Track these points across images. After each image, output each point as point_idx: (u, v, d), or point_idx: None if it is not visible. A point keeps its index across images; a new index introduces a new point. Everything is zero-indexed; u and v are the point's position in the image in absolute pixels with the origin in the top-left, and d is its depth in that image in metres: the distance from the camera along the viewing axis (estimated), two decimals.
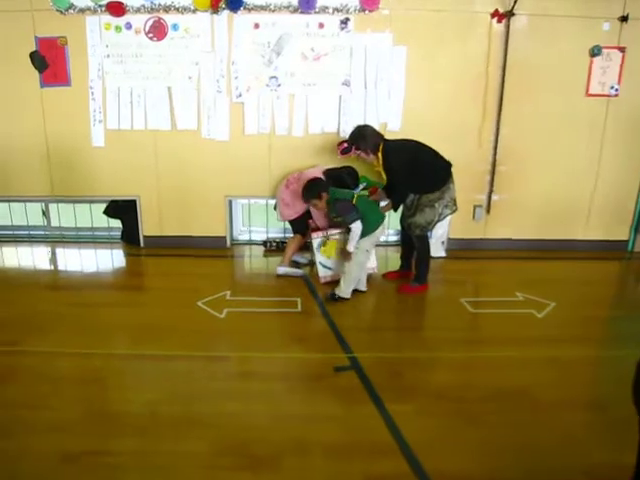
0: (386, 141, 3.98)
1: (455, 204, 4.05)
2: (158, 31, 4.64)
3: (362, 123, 4.38)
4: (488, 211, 4.96)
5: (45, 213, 5.51)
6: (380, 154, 3.94)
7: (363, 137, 3.99)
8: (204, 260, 4.69)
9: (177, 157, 4.85)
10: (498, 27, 4.58)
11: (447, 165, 3.98)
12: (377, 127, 4.40)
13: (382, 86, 4.66)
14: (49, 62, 4.75)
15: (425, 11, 4.51)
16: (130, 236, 5.19)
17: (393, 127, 4.71)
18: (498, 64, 4.64)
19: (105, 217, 5.30)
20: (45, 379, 2.93)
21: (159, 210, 5.00)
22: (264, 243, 5.15)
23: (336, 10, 4.50)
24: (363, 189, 4.42)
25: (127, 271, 4.88)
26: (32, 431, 2.45)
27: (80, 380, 2.95)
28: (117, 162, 4.91)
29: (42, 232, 5.56)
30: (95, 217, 5.46)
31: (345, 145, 4.29)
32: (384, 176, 4.01)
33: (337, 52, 4.61)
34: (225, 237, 5.06)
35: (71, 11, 4.61)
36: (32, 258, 5.18)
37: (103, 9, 4.58)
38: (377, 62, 4.61)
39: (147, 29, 4.64)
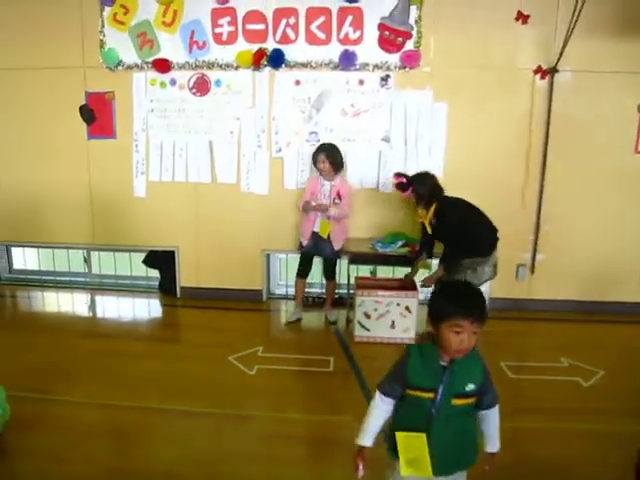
0: (444, 197, 4.02)
1: (496, 270, 4.05)
2: (201, 87, 4.90)
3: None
4: (532, 271, 4.94)
5: (86, 260, 5.76)
6: (433, 208, 3.98)
7: (423, 182, 4.03)
8: (239, 313, 4.80)
9: (216, 210, 5.04)
10: (541, 84, 4.65)
11: (495, 230, 3.99)
12: None
13: (422, 142, 4.76)
14: (97, 115, 5.06)
15: (467, 68, 4.63)
16: (167, 286, 5.37)
17: None
18: (542, 121, 4.68)
19: (144, 266, 5.49)
20: (70, 430, 3.05)
21: (196, 261, 5.17)
22: None
23: (376, 67, 4.67)
24: (402, 246, 4.49)
25: (162, 322, 5.05)
26: None
27: (105, 433, 3.07)
28: (157, 213, 5.13)
29: (83, 279, 5.81)
30: (134, 266, 5.67)
31: (403, 181, 4.12)
32: (428, 229, 4.06)
33: (377, 108, 4.75)
34: (261, 291, 5.19)
35: (119, 67, 4.93)
36: (71, 304, 5.42)
37: (150, 66, 4.88)
38: (417, 118, 4.73)
39: (191, 85, 4.91)
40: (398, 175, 4.15)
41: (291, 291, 5.36)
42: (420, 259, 4.31)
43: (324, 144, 4.52)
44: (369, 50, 4.66)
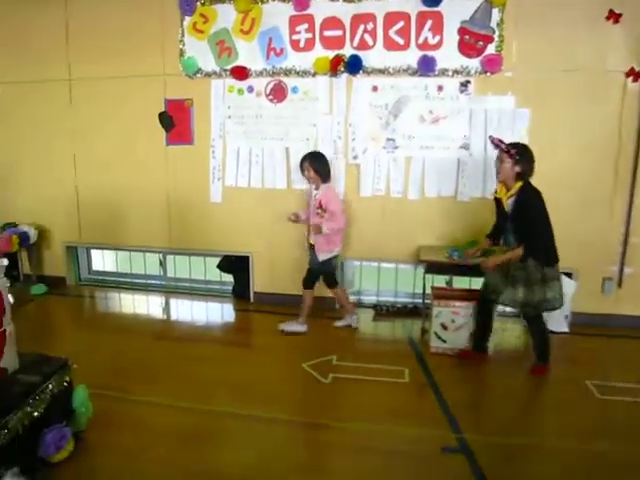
0: (530, 183, 3.71)
1: (562, 299, 3.84)
2: (278, 94, 4.98)
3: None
4: (619, 285, 4.74)
5: (162, 263, 5.95)
6: (517, 186, 3.68)
7: (525, 153, 3.66)
8: (313, 321, 4.82)
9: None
10: (633, 87, 4.46)
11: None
12: None
13: None
14: (175, 122, 5.22)
15: (552, 72, 4.50)
16: (241, 291, 5.48)
17: None
18: (633, 127, 4.50)
19: (218, 271, 5.63)
20: (147, 430, 3.18)
21: (270, 267, 5.26)
22: (374, 307, 5.22)
23: (456, 73, 4.61)
24: (479, 256, 4.40)
25: (235, 326, 5.14)
26: None
27: (180, 435, 3.15)
28: (232, 218, 5.25)
29: (158, 282, 6.01)
30: (209, 270, 5.81)
31: (502, 145, 3.72)
32: (505, 206, 3.79)
33: (456, 115, 4.69)
34: (335, 298, 5.20)
35: (198, 75, 5.07)
36: (147, 306, 5.61)
37: (228, 73, 5.00)
38: (498, 125, 4.63)
39: (268, 92, 4.99)
40: (498, 140, 3.76)
41: (364, 299, 5.36)
42: (486, 244, 4.13)
43: (310, 152, 4.53)
44: (448, 55, 4.60)
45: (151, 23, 5.11)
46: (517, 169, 3.66)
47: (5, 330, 2.82)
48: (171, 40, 5.09)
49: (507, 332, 4.74)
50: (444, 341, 4.26)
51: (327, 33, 4.76)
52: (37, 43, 5.45)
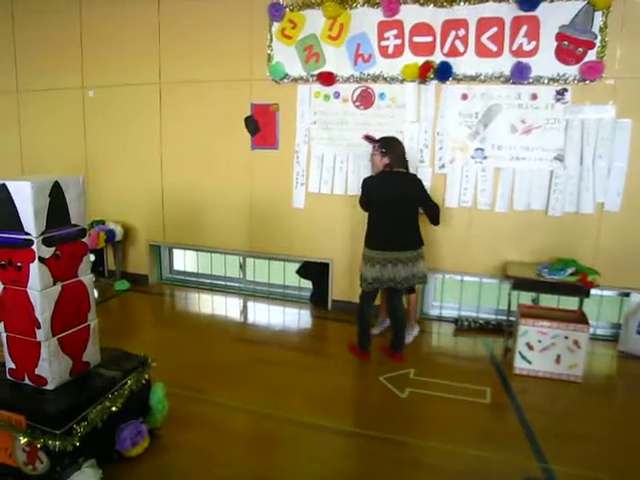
0: None
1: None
2: (365, 100, 5.04)
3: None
4: None
5: (242, 266, 6.16)
6: None
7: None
8: (388, 332, 4.86)
9: None
10: None
11: None
12: (592, 207, 4.47)
13: (601, 163, 4.52)
14: (261, 126, 5.39)
15: None
16: (319, 298, 5.58)
17: (611, 207, 4.54)
18: None
19: (297, 276, 5.76)
20: (220, 432, 3.31)
21: (350, 276, 5.32)
22: (455, 321, 5.20)
23: (552, 80, 4.52)
24: (571, 274, 4.32)
25: (312, 334, 5.23)
26: None
27: (251, 439, 3.29)
28: (314, 224, 5.36)
29: (237, 284, 6.21)
30: (288, 275, 5.95)
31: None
32: None
33: (550, 125, 4.60)
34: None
35: (285, 80, 5.21)
36: (225, 308, 5.81)
37: (314, 79, 5.11)
38: (596, 136, 4.50)
39: (354, 98, 5.07)
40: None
41: (445, 313, 5.35)
42: None
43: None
44: (544, 62, 4.51)
45: (240, 28, 5.30)
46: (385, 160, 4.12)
47: (89, 325, 3.03)
48: (259, 45, 5.26)
49: (598, 357, 4.59)
50: (529, 362, 4.19)
51: (417, 39, 4.78)
52: (130, 48, 5.78)
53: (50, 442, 2.55)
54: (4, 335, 2.85)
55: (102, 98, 6.06)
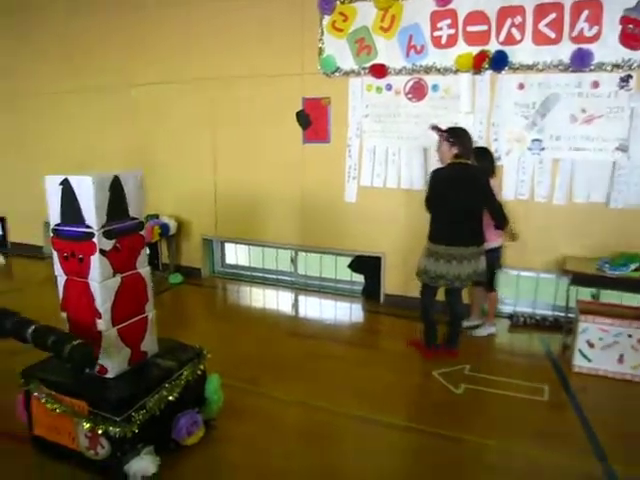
0: None
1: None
2: (418, 92, 5.01)
3: None
4: None
5: (293, 260, 6.22)
6: None
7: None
8: (442, 328, 4.82)
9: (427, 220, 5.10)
10: None
11: None
12: None
13: None
14: (312, 120, 5.42)
15: None
16: (371, 292, 5.59)
17: None
18: None
19: (349, 271, 5.78)
20: (273, 424, 3.37)
21: (403, 269, 5.29)
22: (510, 317, 5.12)
23: (615, 67, 4.38)
24: (635, 269, 4.19)
25: (364, 328, 5.24)
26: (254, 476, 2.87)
27: (305, 432, 3.33)
28: (366, 218, 5.36)
29: (289, 278, 6.27)
30: (339, 269, 5.97)
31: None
32: None
33: (613, 113, 4.45)
34: (470, 305, 5.16)
35: (336, 74, 5.22)
36: (277, 302, 5.88)
37: (366, 71, 5.10)
38: None
39: (407, 90, 5.04)
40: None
41: (501, 308, 5.26)
42: None
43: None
44: (607, 48, 4.37)
45: (292, 22, 5.34)
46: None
47: (147, 316, 3.13)
48: (310, 39, 5.28)
49: None
50: (589, 360, 4.08)
51: (471, 28, 4.71)
52: (195, 45, 5.90)
53: (110, 428, 2.66)
54: (67, 325, 2.95)
55: (154, 95, 6.22)
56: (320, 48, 5.25)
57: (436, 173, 4.06)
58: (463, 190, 3.94)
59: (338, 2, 5.10)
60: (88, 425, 2.70)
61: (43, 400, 2.86)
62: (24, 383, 2.97)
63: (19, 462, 2.99)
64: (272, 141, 5.67)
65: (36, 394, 2.90)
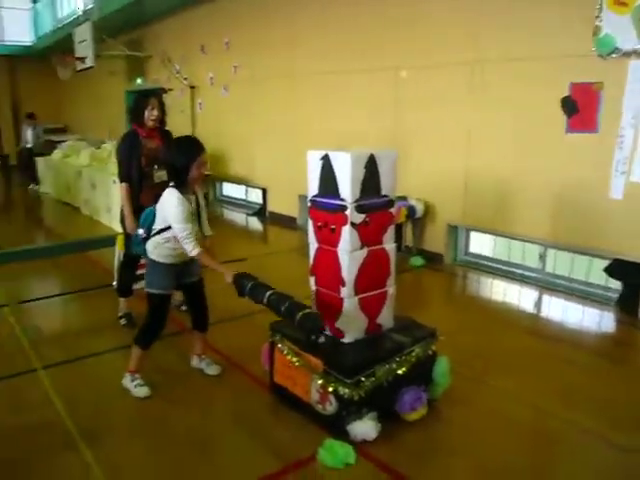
0: None
1: None
2: None
3: None
4: None
5: (542, 257, 5.85)
6: None
7: None
8: None
9: None
10: None
11: None
12: None
13: None
14: (579, 108, 4.99)
15: None
16: (628, 302, 4.97)
17: None
18: None
19: (604, 275, 5.23)
20: (496, 419, 3.30)
21: None
22: None
23: None
24: None
25: (613, 338, 4.82)
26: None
27: (531, 433, 3.23)
28: (635, 219, 4.78)
29: (535, 274, 5.90)
30: (593, 272, 5.46)
31: None
32: None
33: None
34: None
35: (613, 55, 4.71)
36: (519, 298, 5.63)
37: None
38: None
39: None
40: None
41: None
42: None
43: None
44: None
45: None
46: None
47: (387, 290, 3.28)
48: (581, 18, 4.83)
49: None
50: None
51: None
52: (437, 31, 5.86)
53: (340, 388, 2.91)
54: (314, 289, 3.22)
55: (411, 79, 6.36)
56: (597, 26, 4.77)
57: None
58: None
59: None
60: (321, 381, 2.98)
61: (285, 352, 3.18)
62: (271, 335, 3.34)
63: (257, 400, 3.43)
64: (529, 129, 5.39)
65: (280, 346, 3.23)
